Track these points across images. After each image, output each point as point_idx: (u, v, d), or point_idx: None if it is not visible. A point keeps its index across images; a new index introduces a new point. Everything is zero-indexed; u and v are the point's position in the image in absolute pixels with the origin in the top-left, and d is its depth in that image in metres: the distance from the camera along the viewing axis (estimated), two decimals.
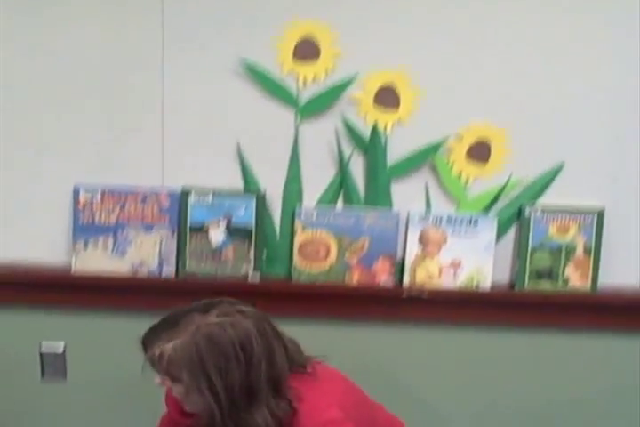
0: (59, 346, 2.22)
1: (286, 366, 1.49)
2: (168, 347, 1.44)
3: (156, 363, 1.47)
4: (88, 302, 2.13)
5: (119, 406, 2.28)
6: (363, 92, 2.00)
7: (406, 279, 2.08)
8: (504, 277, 2.12)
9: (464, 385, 2.23)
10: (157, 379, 1.52)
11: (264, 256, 2.08)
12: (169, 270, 2.08)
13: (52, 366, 2.24)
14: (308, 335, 2.16)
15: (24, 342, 2.22)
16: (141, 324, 2.16)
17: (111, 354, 2.21)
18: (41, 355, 2.22)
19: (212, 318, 1.45)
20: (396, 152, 2.03)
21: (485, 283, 2.07)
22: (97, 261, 2.08)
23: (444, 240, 2.07)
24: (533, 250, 2.06)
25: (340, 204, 2.08)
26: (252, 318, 1.48)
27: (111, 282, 2.07)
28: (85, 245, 2.08)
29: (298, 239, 2.06)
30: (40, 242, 2.12)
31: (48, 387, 2.26)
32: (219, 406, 1.42)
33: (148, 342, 1.50)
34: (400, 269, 2.08)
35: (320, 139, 2.03)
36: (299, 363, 1.55)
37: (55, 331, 2.20)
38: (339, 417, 1.46)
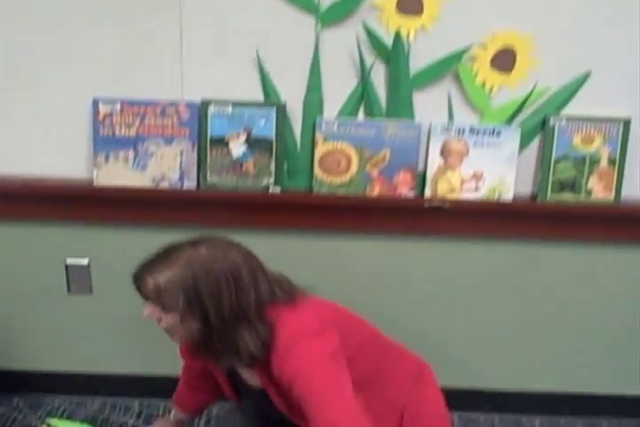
0: (83, 260, 2.25)
1: (269, 294, 1.55)
2: (163, 278, 1.49)
3: (150, 294, 1.51)
4: (110, 215, 2.15)
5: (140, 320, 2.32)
6: None
7: (427, 192, 2.07)
8: (526, 189, 2.11)
9: (484, 297, 2.25)
10: (146, 311, 1.55)
11: (285, 169, 2.07)
12: (190, 183, 2.08)
13: (78, 279, 2.27)
14: (329, 248, 2.19)
15: (49, 257, 2.25)
16: (163, 237, 2.18)
17: (133, 268, 2.24)
18: (66, 269, 2.25)
19: (203, 250, 1.51)
20: (418, 61, 1.99)
21: (507, 195, 2.06)
22: (118, 174, 2.08)
23: (467, 152, 2.05)
24: (557, 161, 2.03)
25: (361, 115, 2.05)
26: (240, 251, 1.55)
27: (133, 194, 2.07)
28: (106, 158, 2.07)
29: (318, 151, 2.05)
30: (61, 156, 2.12)
31: (74, 300, 2.30)
32: (211, 330, 1.51)
33: (140, 276, 1.54)
34: (422, 181, 2.07)
35: (341, 48, 1.99)
36: (287, 294, 1.59)
37: (79, 245, 2.23)
38: (317, 328, 1.51)
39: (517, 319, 2.28)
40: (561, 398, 2.38)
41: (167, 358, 2.36)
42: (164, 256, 1.52)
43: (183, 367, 1.98)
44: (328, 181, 2.06)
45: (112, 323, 2.33)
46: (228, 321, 1.50)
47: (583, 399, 2.39)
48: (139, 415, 2.35)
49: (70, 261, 2.25)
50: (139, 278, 1.54)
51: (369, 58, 1.99)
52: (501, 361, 2.33)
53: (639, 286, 2.22)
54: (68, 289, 2.29)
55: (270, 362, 1.50)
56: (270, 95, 2.03)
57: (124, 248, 2.22)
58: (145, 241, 2.18)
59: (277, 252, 2.19)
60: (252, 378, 1.68)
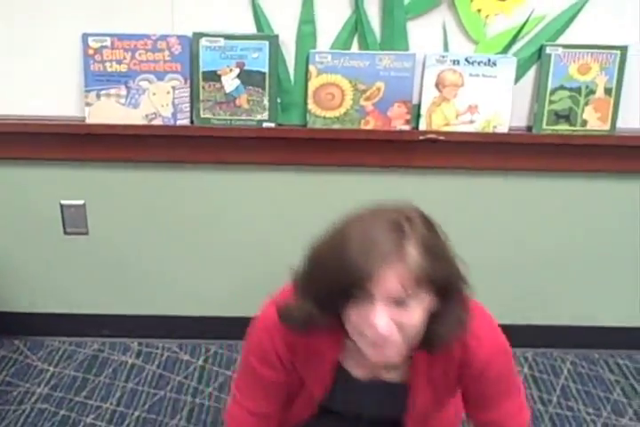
0: (78, 200, 2.24)
1: None
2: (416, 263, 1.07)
3: (410, 288, 1.07)
4: (104, 153, 2.13)
5: (138, 260, 2.33)
6: None
7: (422, 125, 2.05)
8: (522, 121, 2.09)
9: (482, 230, 2.25)
10: (388, 319, 1.08)
11: (278, 103, 2.05)
12: (183, 120, 2.06)
13: (73, 220, 2.27)
14: (323, 182, 2.18)
15: (43, 198, 2.24)
16: (157, 175, 2.19)
17: (130, 207, 2.24)
18: (61, 209, 2.24)
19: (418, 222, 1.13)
20: None
21: (503, 127, 2.05)
22: (110, 112, 2.06)
23: (462, 83, 2.03)
24: (553, 91, 2.02)
25: (355, 48, 2.02)
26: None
27: (126, 132, 2.05)
28: (98, 96, 2.05)
29: (312, 85, 2.02)
30: (52, 95, 2.09)
31: (71, 242, 2.30)
32: (443, 312, 1.16)
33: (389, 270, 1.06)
34: (416, 114, 2.05)
35: None
36: None
37: (74, 185, 2.22)
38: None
39: (515, 252, 2.28)
40: (553, 330, 2.41)
41: (165, 298, 2.39)
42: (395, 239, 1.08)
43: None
44: (322, 115, 2.05)
45: (109, 263, 2.33)
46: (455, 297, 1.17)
47: (573, 330, 2.41)
48: (138, 355, 2.36)
49: (65, 201, 2.24)
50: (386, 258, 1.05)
51: None
52: (499, 294, 2.34)
53: (637, 215, 2.22)
54: (64, 230, 2.29)
55: (452, 348, 1.23)
56: (263, 28, 2.00)
57: (118, 188, 2.22)
58: (139, 180, 2.20)
59: (272, 187, 2.20)
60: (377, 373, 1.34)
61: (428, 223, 1.13)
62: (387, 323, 1.08)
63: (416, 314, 1.09)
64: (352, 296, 1.08)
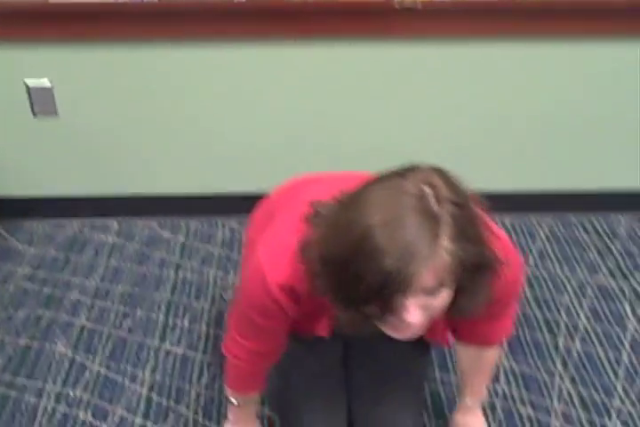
0: (45, 81, 2.17)
1: None
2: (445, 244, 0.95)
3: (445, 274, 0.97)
4: (68, 31, 2.05)
5: (110, 140, 2.30)
6: None
7: None
8: None
9: (468, 99, 2.22)
10: (417, 315, 1.00)
11: None
12: None
13: (41, 101, 2.21)
14: (298, 54, 2.12)
15: (9, 79, 2.17)
16: (124, 53, 2.12)
17: (99, 86, 2.18)
18: (28, 90, 2.18)
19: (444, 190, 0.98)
20: None
21: None
22: None
23: None
24: None
25: None
26: None
27: (90, 8, 1.96)
28: None
29: None
30: None
31: (40, 123, 2.25)
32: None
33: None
34: None
35: None
36: None
37: (41, 66, 2.14)
38: None
39: (499, 119, 2.27)
40: (529, 195, 2.43)
41: (140, 177, 2.38)
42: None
43: (245, 358, 1.35)
44: None
45: (81, 144, 2.30)
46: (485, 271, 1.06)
47: (552, 197, 2.44)
48: (118, 234, 2.38)
49: (31, 81, 2.17)
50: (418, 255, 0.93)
51: None
52: (480, 160, 2.34)
53: (624, 78, 2.19)
54: (33, 112, 2.24)
55: None
56: None
57: (85, 67, 2.15)
58: (107, 59, 2.13)
59: (243, 62, 2.14)
60: None
61: (453, 187, 0.98)
62: (418, 317, 1.01)
63: (444, 297, 1.01)
64: (384, 298, 0.98)
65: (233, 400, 1.45)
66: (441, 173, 1.00)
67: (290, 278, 1.15)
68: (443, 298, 1.01)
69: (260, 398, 1.51)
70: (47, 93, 2.20)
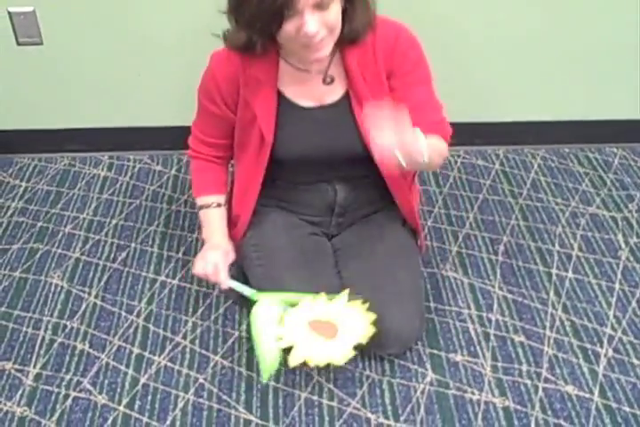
0: (27, 6, 2.11)
1: None
2: None
3: None
4: None
5: (98, 69, 2.25)
6: None
7: None
8: None
9: (454, 16, 2.18)
10: (313, 22, 1.29)
11: None
12: None
13: (25, 29, 2.15)
14: None
15: None
16: None
17: (84, 12, 2.12)
18: (10, 17, 2.12)
19: None
20: None
21: None
22: None
23: None
24: None
25: None
26: None
27: None
28: None
29: None
30: None
31: (24, 52, 2.20)
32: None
33: None
34: None
35: None
36: None
37: None
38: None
39: (485, 40, 2.24)
40: (523, 126, 2.42)
41: (132, 109, 2.34)
42: None
43: (196, 153, 1.69)
44: None
45: (68, 75, 2.25)
46: None
47: (547, 125, 2.42)
48: (110, 168, 2.35)
49: (13, 8, 2.11)
50: None
51: None
52: (470, 89, 2.31)
53: (614, 3, 2.16)
54: (17, 41, 2.18)
55: (375, 41, 1.44)
56: None
57: None
58: None
59: None
60: (319, 91, 1.51)
61: None
62: (315, 24, 1.28)
63: (334, 11, 1.30)
64: (283, 16, 1.27)
65: (202, 204, 1.65)
66: None
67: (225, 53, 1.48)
68: (332, 13, 1.29)
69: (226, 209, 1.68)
70: (31, 20, 2.14)
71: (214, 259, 1.58)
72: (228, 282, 1.57)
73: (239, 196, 1.65)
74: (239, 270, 1.72)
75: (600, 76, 2.32)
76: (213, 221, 1.67)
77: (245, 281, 1.64)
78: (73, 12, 2.12)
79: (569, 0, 2.14)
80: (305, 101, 1.51)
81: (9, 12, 2.11)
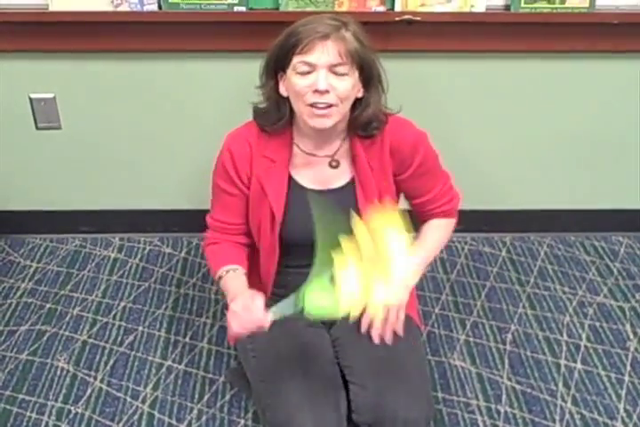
0: (48, 93, 2.18)
1: None
2: (345, 32, 1.39)
3: (348, 52, 1.37)
4: (70, 43, 2.07)
5: (114, 154, 2.30)
6: None
7: (398, 6, 1.99)
8: (499, 1, 2.04)
9: (461, 114, 2.24)
10: (325, 79, 1.37)
11: None
12: (151, 5, 1.98)
13: (44, 114, 2.22)
14: None
15: (12, 91, 2.18)
16: (127, 64, 2.14)
17: (103, 99, 2.19)
18: (31, 103, 2.19)
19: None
20: None
21: (480, 6, 1.99)
22: None
23: None
24: None
25: None
26: None
27: (91, 18, 1.98)
28: None
29: None
30: None
31: (43, 136, 2.26)
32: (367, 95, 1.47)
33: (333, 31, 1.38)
34: None
35: None
36: None
37: (42, 78, 2.16)
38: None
39: (495, 136, 2.30)
40: (530, 214, 2.45)
41: (144, 192, 2.38)
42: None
43: (215, 231, 1.63)
44: None
45: (85, 158, 2.31)
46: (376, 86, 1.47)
47: (553, 213, 2.45)
48: (120, 249, 2.38)
49: (34, 95, 2.18)
50: (330, 35, 1.36)
51: None
52: (481, 180, 2.35)
53: (623, 95, 2.22)
54: (36, 125, 2.24)
55: (383, 136, 1.50)
56: None
57: (89, 79, 2.17)
58: (110, 71, 2.15)
59: (244, 75, 2.14)
60: (326, 175, 1.55)
61: (362, 30, 1.42)
62: (326, 81, 1.36)
63: (348, 82, 1.38)
64: (300, 68, 1.37)
65: (220, 274, 1.53)
66: (358, 23, 1.42)
67: (244, 131, 1.56)
68: (346, 83, 1.38)
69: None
70: (51, 106, 2.21)
71: (240, 304, 1.37)
72: (268, 317, 1.35)
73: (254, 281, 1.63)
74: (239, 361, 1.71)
75: (605, 166, 2.36)
76: (236, 279, 1.52)
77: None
78: (91, 99, 2.19)
79: (571, 91, 2.21)
80: (312, 185, 1.55)
81: (30, 98, 2.18)
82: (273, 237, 1.56)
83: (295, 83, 1.39)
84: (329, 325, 1.66)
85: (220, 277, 1.55)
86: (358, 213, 1.48)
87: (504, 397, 1.81)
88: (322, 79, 1.36)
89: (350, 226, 1.46)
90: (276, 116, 1.49)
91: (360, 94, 1.44)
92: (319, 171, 1.54)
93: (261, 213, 1.55)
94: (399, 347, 1.56)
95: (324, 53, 1.36)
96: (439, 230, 1.61)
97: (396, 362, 1.53)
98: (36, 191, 2.38)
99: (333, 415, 1.44)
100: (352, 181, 1.54)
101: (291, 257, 1.59)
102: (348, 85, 1.39)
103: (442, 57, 2.12)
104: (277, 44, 1.43)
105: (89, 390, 1.82)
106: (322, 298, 1.33)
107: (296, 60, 1.37)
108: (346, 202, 1.52)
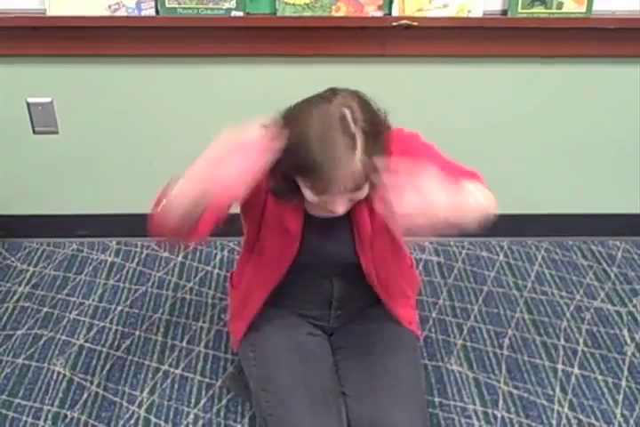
0: (45, 97, 2.18)
1: None
2: (359, 156, 1.22)
3: (365, 176, 1.23)
4: (66, 48, 2.07)
5: (110, 158, 2.30)
6: None
7: (395, 10, 2.00)
8: (497, 5, 2.04)
9: (458, 119, 2.23)
10: (342, 207, 1.29)
11: None
12: (148, 10, 1.99)
13: (42, 118, 2.22)
14: (294, 72, 2.13)
15: (8, 96, 2.18)
16: (124, 69, 2.14)
17: (100, 103, 2.19)
18: (28, 107, 2.19)
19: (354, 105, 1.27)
20: None
21: (477, 11, 2.00)
22: (72, 2, 1.98)
23: None
24: None
25: None
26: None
27: (88, 23, 1.98)
28: None
29: None
30: None
31: (40, 141, 2.26)
32: None
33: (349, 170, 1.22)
34: (389, 0, 1.99)
35: None
36: None
37: (39, 82, 2.16)
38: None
39: (493, 141, 2.29)
40: (529, 217, 2.44)
41: (141, 197, 2.37)
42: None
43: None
44: (292, 2, 1.98)
45: (82, 162, 2.31)
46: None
47: (550, 218, 2.45)
48: (117, 253, 2.38)
49: (32, 99, 2.18)
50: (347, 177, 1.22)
51: None
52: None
53: (619, 101, 2.22)
54: (33, 130, 2.24)
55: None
56: None
57: (86, 84, 2.17)
58: (107, 76, 2.15)
59: (241, 79, 2.15)
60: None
61: (366, 108, 1.28)
62: (343, 208, 1.30)
63: (363, 191, 1.28)
64: (313, 189, 1.27)
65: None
66: (357, 95, 1.29)
67: None
68: (363, 192, 1.28)
69: None
70: (48, 111, 2.21)
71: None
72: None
73: (247, 292, 1.63)
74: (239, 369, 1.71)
75: (603, 171, 2.37)
76: None
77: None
78: (89, 104, 2.19)
79: (569, 96, 2.21)
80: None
81: (27, 103, 2.18)
82: (283, 255, 1.51)
83: (308, 195, 1.30)
84: (329, 333, 1.66)
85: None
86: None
87: (501, 402, 1.81)
88: (339, 205, 1.29)
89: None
90: (288, 196, 1.39)
91: None
92: None
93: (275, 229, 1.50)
94: (396, 359, 1.56)
95: (340, 185, 1.23)
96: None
97: (392, 376, 1.53)
98: (32, 195, 2.38)
99: (335, 425, 1.44)
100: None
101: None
102: (362, 194, 1.29)
103: (439, 62, 2.12)
104: (290, 162, 1.25)
105: (85, 395, 1.82)
106: None
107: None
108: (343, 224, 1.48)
